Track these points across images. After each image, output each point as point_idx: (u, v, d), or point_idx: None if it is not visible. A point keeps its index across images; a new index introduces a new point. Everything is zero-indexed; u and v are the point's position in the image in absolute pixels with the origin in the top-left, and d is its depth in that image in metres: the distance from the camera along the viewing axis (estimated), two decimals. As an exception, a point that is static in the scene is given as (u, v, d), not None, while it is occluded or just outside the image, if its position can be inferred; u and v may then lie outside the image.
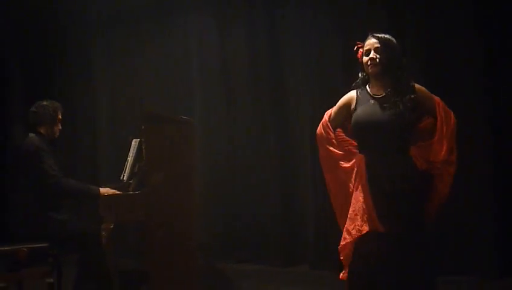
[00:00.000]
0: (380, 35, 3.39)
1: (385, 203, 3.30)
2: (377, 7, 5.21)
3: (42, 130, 4.48)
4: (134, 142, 4.60)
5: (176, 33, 6.44)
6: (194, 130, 4.66)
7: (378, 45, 3.35)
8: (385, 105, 3.32)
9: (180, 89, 6.39)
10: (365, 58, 3.40)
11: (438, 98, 3.38)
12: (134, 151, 4.56)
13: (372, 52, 3.36)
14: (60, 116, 4.57)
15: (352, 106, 3.47)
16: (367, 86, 3.46)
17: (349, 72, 5.21)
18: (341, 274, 3.46)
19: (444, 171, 3.32)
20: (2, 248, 4.10)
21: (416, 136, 3.39)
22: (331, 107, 3.62)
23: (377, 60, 3.33)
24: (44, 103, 4.54)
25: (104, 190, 4.33)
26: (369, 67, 3.37)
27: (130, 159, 4.62)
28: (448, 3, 4.96)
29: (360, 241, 3.30)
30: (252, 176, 5.90)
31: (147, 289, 4.37)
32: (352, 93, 3.51)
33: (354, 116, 3.42)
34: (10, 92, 7.13)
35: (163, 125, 4.28)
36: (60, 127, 4.60)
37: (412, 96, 3.32)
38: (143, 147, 4.25)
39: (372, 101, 3.39)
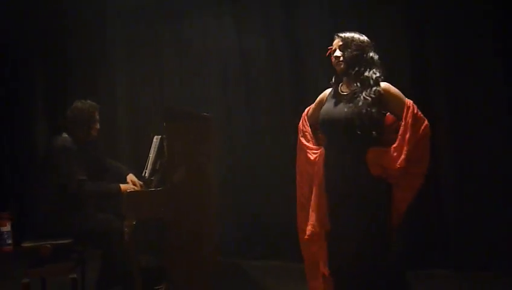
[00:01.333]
0: (343, 34, 3.39)
1: (335, 203, 3.35)
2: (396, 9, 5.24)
3: (78, 133, 4.46)
4: (156, 139, 4.61)
5: (195, 30, 6.44)
6: (215, 126, 4.67)
7: (341, 43, 3.37)
8: (351, 101, 3.30)
9: (199, 86, 6.41)
10: (332, 58, 3.43)
11: (411, 102, 3.24)
12: (156, 148, 4.57)
13: (337, 51, 3.38)
14: (97, 117, 4.55)
15: (323, 103, 3.52)
16: (340, 84, 3.47)
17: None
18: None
19: (402, 181, 3.21)
20: (26, 245, 4.15)
21: (379, 139, 3.27)
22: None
23: (341, 57, 3.35)
24: (80, 105, 4.50)
25: (125, 187, 4.36)
26: (336, 65, 3.40)
27: (151, 156, 4.63)
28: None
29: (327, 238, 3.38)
30: (274, 171, 5.89)
31: (167, 285, 4.40)
32: (327, 91, 3.57)
33: (320, 113, 3.47)
34: (31, 89, 7.20)
35: (185, 122, 4.29)
36: (98, 127, 4.57)
37: (374, 89, 3.25)
38: (165, 144, 4.26)
39: (335, 98, 3.41)
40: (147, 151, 4.77)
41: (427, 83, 5.25)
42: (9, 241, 6.91)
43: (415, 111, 3.19)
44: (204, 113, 4.67)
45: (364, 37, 3.38)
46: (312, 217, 3.44)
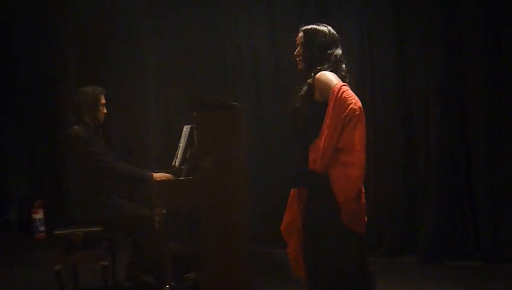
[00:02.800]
0: (306, 28, 3.19)
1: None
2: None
3: (86, 118, 4.49)
4: (186, 129, 4.63)
5: (228, 19, 6.44)
6: (245, 116, 4.66)
7: (303, 40, 3.18)
8: (294, 97, 3.16)
9: (231, 77, 6.42)
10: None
11: (339, 86, 2.90)
12: (186, 138, 4.58)
13: (298, 48, 3.22)
14: (102, 101, 4.55)
15: None
16: None
17: (399, 69, 5.23)
18: None
19: (334, 171, 2.92)
20: (59, 232, 4.22)
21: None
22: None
23: (300, 56, 3.19)
24: (85, 89, 4.54)
25: (158, 175, 4.38)
26: (297, 62, 3.23)
27: (181, 145, 4.65)
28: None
29: None
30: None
31: (198, 273, 4.42)
32: None
33: None
34: (64, 80, 7.29)
35: (215, 112, 4.30)
36: (105, 111, 4.59)
37: (308, 81, 3.06)
38: (194, 133, 4.27)
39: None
40: (177, 141, 4.78)
41: (461, 77, 5.20)
42: (42, 229, 7.03)
43: (339, 94, 2.86)
44: (235, 103, 4.66)
45: (329, 32, 3.15)
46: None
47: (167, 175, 4.40)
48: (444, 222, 5.20)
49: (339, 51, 3.13)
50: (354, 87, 3.02)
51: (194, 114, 4.23)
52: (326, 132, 2.88)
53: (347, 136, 2.85)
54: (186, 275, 4.50)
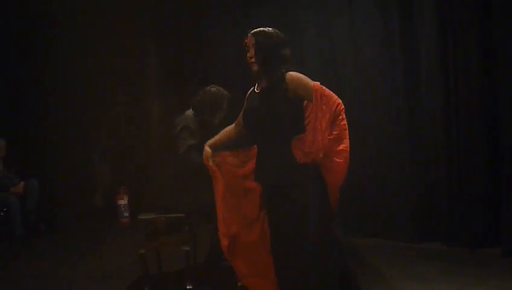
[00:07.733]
0: (255, 31, 3.30)
1: (267, 197, 3.31)
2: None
3: (202, 115, 4.59)
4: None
5: (310, 25, 6.32)
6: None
7: (253, 42, 3.27)
8: (262, 99, 3.27)
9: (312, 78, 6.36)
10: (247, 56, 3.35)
11: (318, 83, 3.16)
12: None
13: (250, 50, 3.29)
14: (224, 106, 4.63)
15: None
16: (257, 82, 3.42)
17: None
18: None
19: (328, 162, 3.15)
20: (143, 217, 4.36)
21: (300, 127, 3.24)
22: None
23: (253, 58, 3.27)
24: (212, 89, 4.63)
25: None
26: (250, 65, 3.31)
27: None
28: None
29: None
30: (384, 148, 5.81)
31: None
32: (251, 89, 3.50)
33: (242, 113, 3.45)
34: (145, 72, 7.48)
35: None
36: (223, 115, 4.64)
37: (281, 86, 3.19)
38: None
39: (252, 98, 3.39)
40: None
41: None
42: (126, 214, 7.27)
43: (322, 91, 3.14)
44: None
45: (277, 34, 3.29)
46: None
47: None
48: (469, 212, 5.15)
49: (288, 51, 3.29)
50: None
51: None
52: (319, 126, 3.10)
53: (338, 128, 3.13)
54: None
